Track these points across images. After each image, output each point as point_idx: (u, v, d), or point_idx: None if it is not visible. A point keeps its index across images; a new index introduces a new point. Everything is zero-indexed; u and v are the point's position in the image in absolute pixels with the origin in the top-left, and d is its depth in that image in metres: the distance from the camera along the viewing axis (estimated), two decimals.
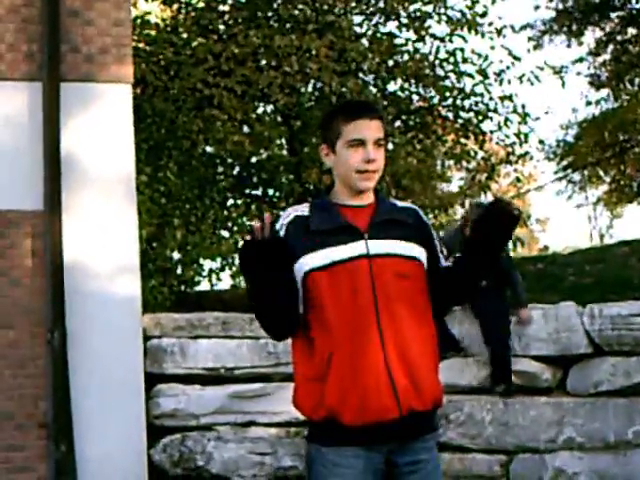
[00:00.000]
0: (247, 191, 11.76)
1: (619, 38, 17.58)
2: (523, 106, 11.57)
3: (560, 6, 17.54)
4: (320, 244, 2.62)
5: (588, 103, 18.60)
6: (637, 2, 16.79)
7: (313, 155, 10.24)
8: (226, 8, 11.19)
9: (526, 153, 12.38)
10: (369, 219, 2.68)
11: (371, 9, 11.62)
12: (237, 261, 2.49)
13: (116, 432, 6.13)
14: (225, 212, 11.37)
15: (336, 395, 2.56)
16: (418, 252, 2.70)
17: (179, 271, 9.70)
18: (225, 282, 11.66)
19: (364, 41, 11.38)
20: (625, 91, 17.99)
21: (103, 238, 6.32)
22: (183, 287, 9.96)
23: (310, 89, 11.35)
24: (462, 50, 11.31)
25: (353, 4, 11.58)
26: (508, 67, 11.55)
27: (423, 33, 11.34)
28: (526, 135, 11.76)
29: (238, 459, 6.43)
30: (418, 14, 11.37)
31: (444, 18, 11.39)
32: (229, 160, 11.29)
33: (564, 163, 19.46)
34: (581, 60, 17.83)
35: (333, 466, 2.61)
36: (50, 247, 6.12)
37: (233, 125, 10.31)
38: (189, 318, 6.73)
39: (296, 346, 2.70)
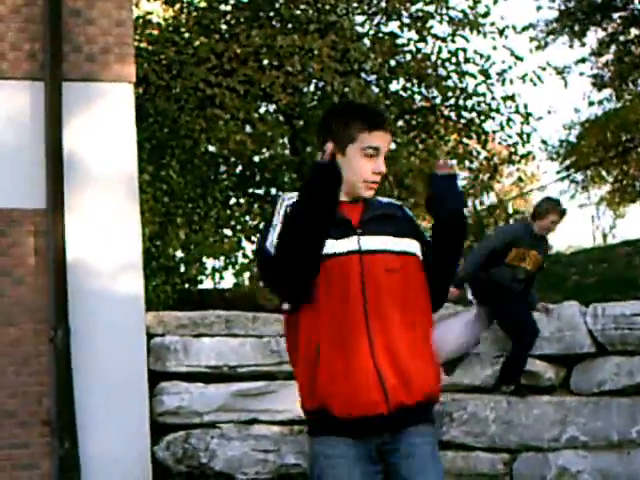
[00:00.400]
0: (250, 190, 11.78)
1: (622, 38, 17.59)
2: (525, 106, 11.60)
3: (562, 6, 17.55)
4: None
5: (591, 103, 18.63)
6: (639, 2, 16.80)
7: (315, 154, 10.22)
8: (228, 8, 11.21)
9: (529, 153, 12.39)
10: (359, 216, 2.72)
11: (373, 9, 11.63)
12: (311, 174, 2.28)
13: (120, 429, 6.13)
14: (228, 211, 11.39)
15: (326, 386, 2.60)
16: (411, 246, 2.73)
17: (182, 269, 9.73)
18: (228, 280, 11.70)
19: (366, 41, 11.39)
20: (627, 91, 18.01)
21: (106, 236, 6.31)
22: (186, 285, 9.98)
23: (312, 89, 11.37)
24: (464, 50, 11.33)
25: (355, 4, 11.60)
26: (510, 67, 11.59)
27: (425, 33, 11.36)
28: (528, 135, 11.78)
29: (241, 457, 6.42)
30: (420, 14, 11.39)
31: (446, 18, 11.41)
32: (232, 159, 11.31)
33: (567, 163, 19.46)
34: (584, 60, 17.85)
35: (325, 458, 2.64)
36: (53, 245, 6.11)
37: (235, 124, 10.32)
38: (192, 316, 6.73)
39: (289, 329, 2.80)
